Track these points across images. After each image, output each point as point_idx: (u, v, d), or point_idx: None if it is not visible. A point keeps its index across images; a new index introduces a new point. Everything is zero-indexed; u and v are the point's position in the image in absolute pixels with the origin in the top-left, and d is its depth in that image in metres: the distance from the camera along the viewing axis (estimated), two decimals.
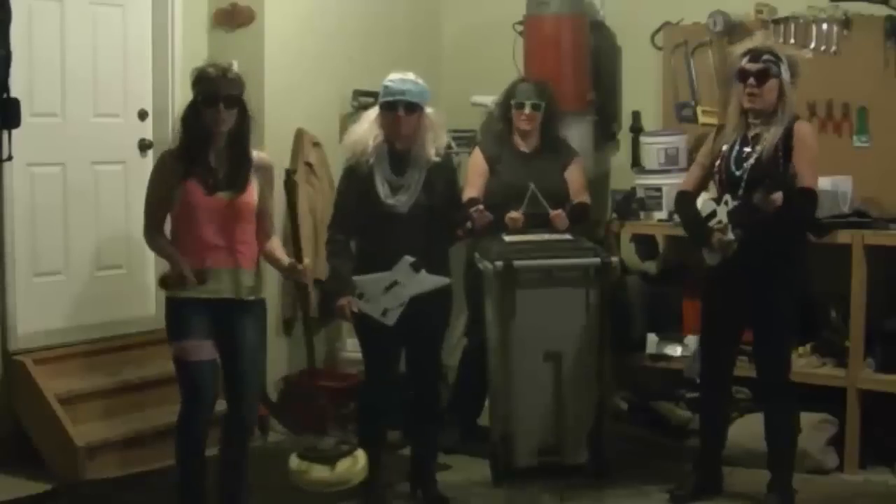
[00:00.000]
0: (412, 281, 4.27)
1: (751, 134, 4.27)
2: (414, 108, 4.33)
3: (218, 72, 3.98)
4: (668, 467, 4.88)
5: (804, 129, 4.28)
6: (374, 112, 4.43)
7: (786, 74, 4.22)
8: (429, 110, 4.43)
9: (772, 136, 4.21)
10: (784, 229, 4.20)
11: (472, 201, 4.76)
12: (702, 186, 4.48)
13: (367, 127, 4.40)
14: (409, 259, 4.27)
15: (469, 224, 4.43)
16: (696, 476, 4.55)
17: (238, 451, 4.12)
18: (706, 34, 5.52)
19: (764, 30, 4.79)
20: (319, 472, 4.09)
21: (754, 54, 4.23)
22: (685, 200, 4.48)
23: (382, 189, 4.33)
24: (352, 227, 4.40)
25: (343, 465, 4.11)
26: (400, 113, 4.30)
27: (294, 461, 4.15)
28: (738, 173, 4.24)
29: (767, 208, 4.04)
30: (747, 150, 4.26)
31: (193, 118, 3.97)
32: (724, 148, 4.31)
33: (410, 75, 4.44)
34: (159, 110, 5.57)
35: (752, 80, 4.20)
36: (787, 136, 4.22)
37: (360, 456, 4.16)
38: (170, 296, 4.02)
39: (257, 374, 4.25)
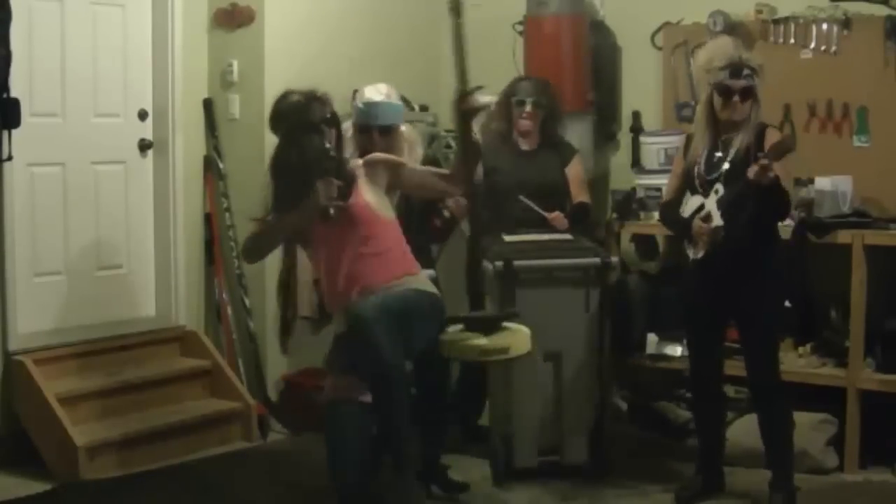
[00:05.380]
0: None
1: (721, 139, 4.30)
2: (388, 130, 4.37)
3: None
4: (668, 467, 4.88)
5: (774, 136, 4.28)
6: (349, 126, 4.43)
7: (759, 83, 4.24)
8: (403, 128, 4.49)
9: (742, 139, 4.23)
10: (766, 222, 4.26)
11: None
12: (681, 196, 4.49)
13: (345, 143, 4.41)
14: None
15: (446, 213, 4.49)
16: (701, 477, 4.55)
17: None
18: (706, 34, 5.51)
19: (720, 35, 4.75)
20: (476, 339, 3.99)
21: (734, 69, 4.21)
22: (668, 209, 4.52)
23: None
24: None
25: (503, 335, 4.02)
26: (375, 138, 4.34)
27: (455, 333, 4.05)
28: (711, 177, 4.27)
29: (763, 180, 4.03)
30: (718, 154, 4.28)
31: None
32: (698, 153, 4.32)
33: (383, 89, 4.47)
34: (159, 110, 5.57)
35: (736, 98, 4.21)
36: (759, 139, 4.24)
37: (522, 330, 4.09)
38: None
39: None
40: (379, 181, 4.05)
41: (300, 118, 3.91)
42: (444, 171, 4.25)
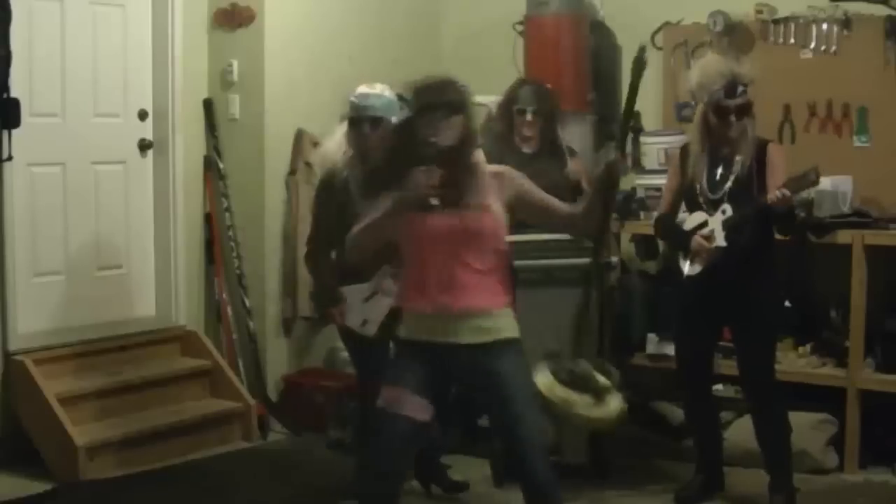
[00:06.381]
0: (392, 291, 4.16)
1: (719, 155, 4.28)
2: (379, 122, 4.34)
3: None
4: (668, 467, 4.88)
5: (777, 153, 4.30)
6: (345, 125, 4.42)
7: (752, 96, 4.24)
8: (395, 121, 4.45)
9: (744, 157, 4.23)
10: (765, 234, 4.26)
11: None
12: (677, 210, 4.48)
13: (338, 141, 4.39)
14: (388, 269, 4.19)
15: None
16: (700, 477, 4.55)
17: None
18: (706, 34, 5.52)
19: (709, 52, 4.74)
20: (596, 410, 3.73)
21: (730, 88, 4.19)
22: (665, 220, 4.51)
23: (360, 201, 4.27)
24: (331, 239, 4.34)
25: (614, 402, 3.75)
26: (365, 130, 4.30)
27: (558, 389, 3.74)
28: (716, 196, 4.26)
29: (781, 207, 4.04)
30: (720, 171, 4.28)
31: None
32: (698, 171, 4.31)
33: (377, 87, 4.44)
34: (159, 110, 5.58)
35: (732, 118, 4.20)
36: (760, 153, 4.24)
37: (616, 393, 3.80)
38: None
39: None
40: (502, 195, 3.69)
41: (424, 100, 3.60)
42: (569, 208, 3.90)
